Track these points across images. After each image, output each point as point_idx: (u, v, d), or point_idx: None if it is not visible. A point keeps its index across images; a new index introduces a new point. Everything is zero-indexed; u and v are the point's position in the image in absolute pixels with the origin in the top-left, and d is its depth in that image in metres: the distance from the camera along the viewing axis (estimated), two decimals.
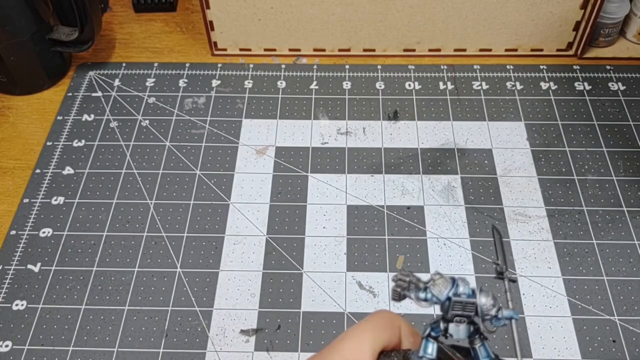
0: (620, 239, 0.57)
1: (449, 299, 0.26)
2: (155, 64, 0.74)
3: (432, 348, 0.27)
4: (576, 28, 0.71)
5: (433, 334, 0.27)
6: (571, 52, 0.74)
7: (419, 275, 0.28)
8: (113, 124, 0.68)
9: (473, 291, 0.26)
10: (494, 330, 0.26)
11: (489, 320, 0.26)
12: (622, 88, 0.70)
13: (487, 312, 0.26)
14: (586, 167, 0.63)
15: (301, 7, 0.69)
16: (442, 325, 0.27)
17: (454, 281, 0.27)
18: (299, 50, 0.75)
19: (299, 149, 0.65)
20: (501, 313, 0.26)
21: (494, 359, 0.27)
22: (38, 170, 0.63)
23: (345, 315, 0.53)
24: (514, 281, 0.29)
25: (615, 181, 0.61)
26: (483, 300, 0.26)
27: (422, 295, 0.27)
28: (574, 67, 0.73)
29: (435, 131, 0.66)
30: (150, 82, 0.72)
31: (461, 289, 0.26)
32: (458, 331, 0.26)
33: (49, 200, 0.61)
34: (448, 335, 0.27)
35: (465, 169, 0.63)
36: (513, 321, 0.26)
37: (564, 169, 0.63)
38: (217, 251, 0.57)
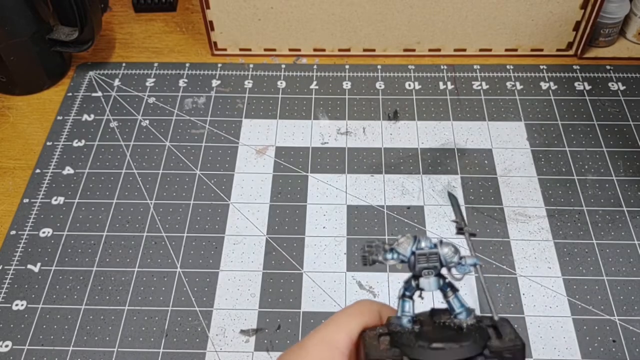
0: (620, 239, 0.57)
1: (413, 253, 0.28)
2: (155, 64, 0.74)
3: (409, 306, 0.29)
4: (576, 28, 0.71)
5: (407, 293, 0.29)
6: (571, 52, 0.74)
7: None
8: (113, 124, 0.68)
9: (435, 245, 0.29)
10: (460, 278, 0.29)
11: (454, 267, 0.28)
12: (622, 88, 0.70)
13: (450, 259, 0.28)
14: (586, 167, 0.63)
15: (301, 7, 0.69)
16: (413, 283, 0.29)
17: (415, 238, 0.29)
18: (299, 50, 0.75)
19: (299, 149, 0.65)
20: (464, 260, 0.28)
21: (469, 308, 0.28)
22: (38, 170, 0.63)
23: None
24: (474, 234, 0.32)
25: (615, 181, 0.61)
26: (445, 250, 0.28)
27: (389, 255, 0.29)
28: (574, 67, 0.73)
29: (435, 131, 0.66)
30: (150, 82, 0.72)
31: (423, 244, 0.29)
32: (429, 284, 0.28)
33: (49, 200, 0.61)
34: (420, 289, 0.29)
35: (465, 169, 0.63)
36: (478, 267, 0.29)
37: (564, 169, 0.63)
38: (217, 251, 0.57)
